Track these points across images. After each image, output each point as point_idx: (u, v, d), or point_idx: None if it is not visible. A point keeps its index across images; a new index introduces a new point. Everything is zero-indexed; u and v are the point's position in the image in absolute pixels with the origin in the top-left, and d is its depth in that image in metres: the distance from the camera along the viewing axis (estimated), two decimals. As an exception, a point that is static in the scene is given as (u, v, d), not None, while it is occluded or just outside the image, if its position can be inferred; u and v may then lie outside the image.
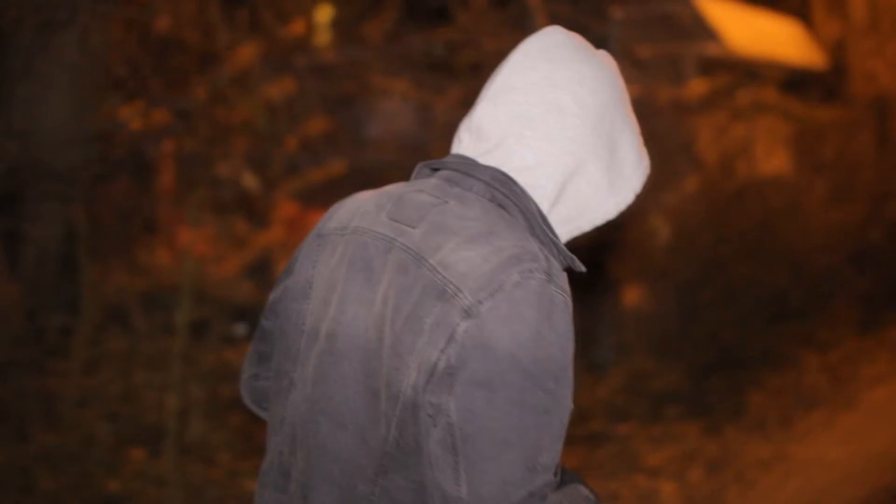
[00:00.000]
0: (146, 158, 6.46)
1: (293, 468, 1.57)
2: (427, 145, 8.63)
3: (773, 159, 10.19)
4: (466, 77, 7.96)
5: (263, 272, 7.65)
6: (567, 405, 1.41)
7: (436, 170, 1.61)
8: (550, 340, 1.39)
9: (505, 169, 1.53)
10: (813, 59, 16.27)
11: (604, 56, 1.64)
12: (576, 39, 1.61)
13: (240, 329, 6.36)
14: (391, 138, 9.57)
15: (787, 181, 9.86)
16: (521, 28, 7.36)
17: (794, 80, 13.64)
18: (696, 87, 8.80)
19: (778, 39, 15.49)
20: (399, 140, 9.39)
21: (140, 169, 6.56)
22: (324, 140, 8.68)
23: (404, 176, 1.73)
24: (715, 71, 10.08)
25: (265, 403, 1.77)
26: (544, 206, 1.53)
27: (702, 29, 12.91)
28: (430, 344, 1.40)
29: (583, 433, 5.85)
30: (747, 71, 11.01)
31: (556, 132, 1.52)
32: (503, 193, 1.51)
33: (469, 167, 1.53)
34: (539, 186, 1.53)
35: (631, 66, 7.71)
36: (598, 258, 6.78)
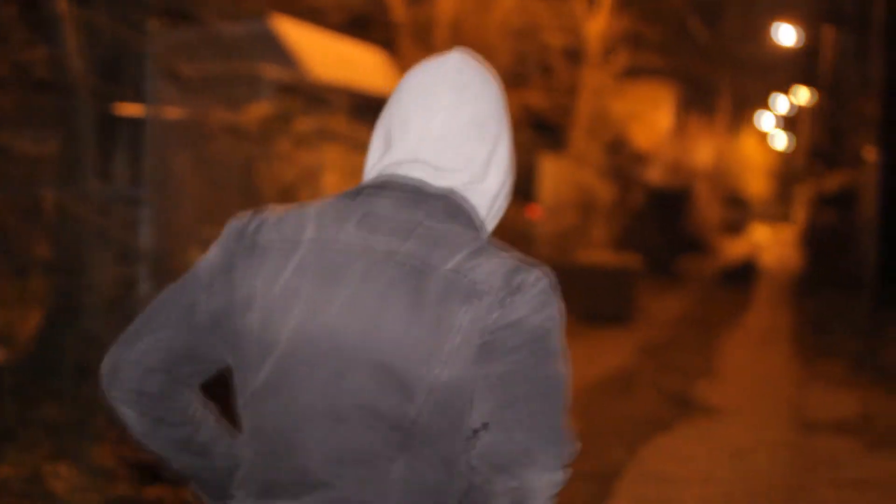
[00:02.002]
0: None
1: (278, 474, 1.80)
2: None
3: (342, 189, 10.26)
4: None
5: None
6: None
7: (362, 190, 1.86)
8: (560, 321, 1.78)
9: (455, 191, 1.84)
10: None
11: (487, 67, 1.96)
12: (473, 60, 1.93)
13: None
14: None
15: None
16: (49, 38, 6.88)
17: (374, 108, 13.90)
18: (256, 110, 8.63)
19: (360, 67, 15.81)
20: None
21: None
22: None
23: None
24: (286, 95, 10.01)
25: (162, 404, 1.90)
26: (483, 219, 1.90)
27: (275, 51, 12.89)
28: (464, 340, 1.71)
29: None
30: (321, 97, 11.04)
31: (489, 163, 1.88)
32: (463, 212, 1.83)
33: (425, 193, 1.82)
34: (481, 206, 1.88)
35: (175, 86, 7.42)
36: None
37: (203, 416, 1.97)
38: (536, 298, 1.76)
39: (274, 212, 1.89)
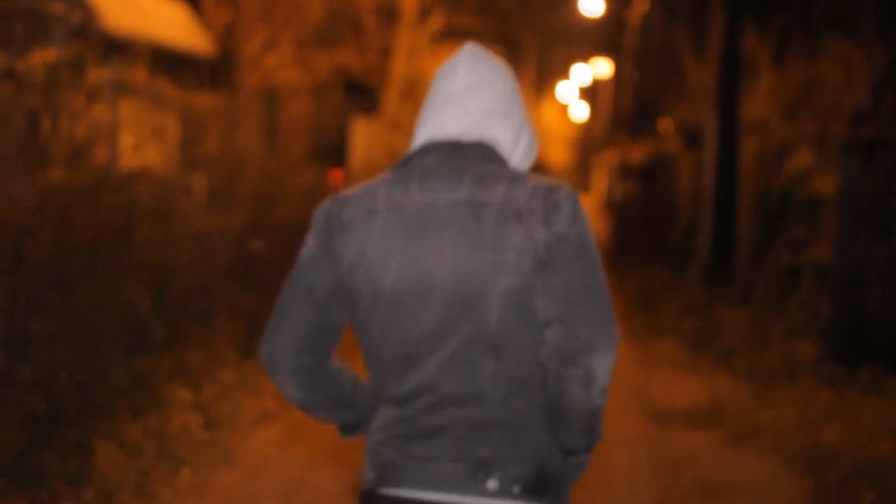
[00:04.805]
0: None
1: (405, 387, 2.30)
2: None
3: (142, 150, 9.02)
4: None
5: None
6: None
7: (411, 156, 2.40)
8: (589, 224, 2.32)
9: (485, 139, 2.37)
10: (199, 45, 15.52)
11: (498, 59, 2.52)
12: (483, 48, 2.50)
13: None
14: None
15: (158, 178, 8.72)
16: None
17: (175, 64, 12.68)
18: (42, 56, 7.34)
19: (161, 20, 14.53)
20: None
21: None
22: None
23: None
24: (76, 42, 8.71)
25: (314, 376, 2.41)
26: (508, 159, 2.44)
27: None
28: (521, 253, 2.23)
29: None
30: (116, 46, 9.77)
31: (506, 111, 2.42)
32: (495, 155, 2.36)
33: (461, 144, 2.35)
34: (503, 148, 2.40)
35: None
36: None
37: (344, 375, 2.45)
38: (570, 213, 2.26)
39: (348, 193, 2.38)
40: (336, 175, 17.38)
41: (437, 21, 20.26)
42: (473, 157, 2.33)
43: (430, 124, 2.39)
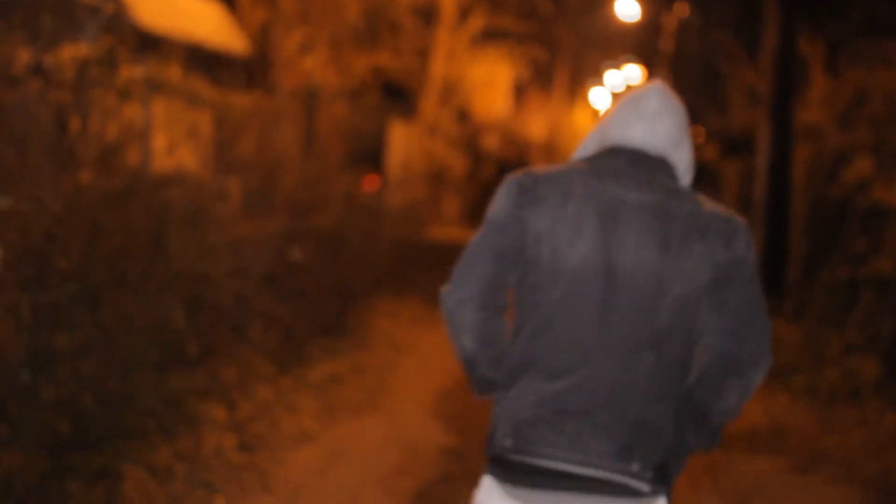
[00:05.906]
0: None
1: (562, 361, 2.52)
2: None
3: (176, 152, 8.58)
4: None
5: None
6: None
7: (598, 155, 2.73)
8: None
9: (667, 158, 2.67)
10: (235, 44, 15.13)
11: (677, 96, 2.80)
12: (667, 84, 2.77)
13: None
14: None
15: (192, 181, 8.28)
16: None
17: (210, 62, 12.27)
18: (73, 51, 6.90)
19: (196, 17, 14.15)
20: None
21: None
22: None
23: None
24: (108, 37, 8.29)
25: (490, 330, 2.64)
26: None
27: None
28: (699, 266, 2.53)
29: None
30: (150, 43, 9.35)
31: (681, 142, 2.70)
32: (674, 174, 2.66)
33: (648, 155, 2.64)
34: (678, 170, 2.71)
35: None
36: None
37: (506, 336, 2.65)
38: (746, 240, 2.59)
39: (540, 170, 2.64)
40: (372, 180, 16.92)
41: (476, 22, 19.77)
42: (659, 169, 2.62)
43: (617, 133, 2.66)
